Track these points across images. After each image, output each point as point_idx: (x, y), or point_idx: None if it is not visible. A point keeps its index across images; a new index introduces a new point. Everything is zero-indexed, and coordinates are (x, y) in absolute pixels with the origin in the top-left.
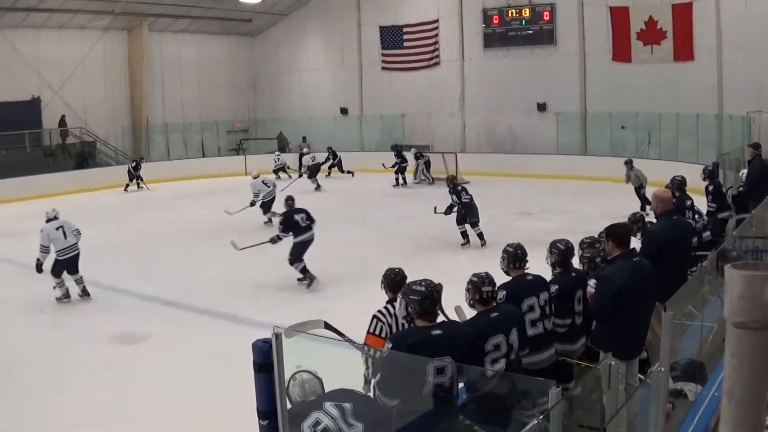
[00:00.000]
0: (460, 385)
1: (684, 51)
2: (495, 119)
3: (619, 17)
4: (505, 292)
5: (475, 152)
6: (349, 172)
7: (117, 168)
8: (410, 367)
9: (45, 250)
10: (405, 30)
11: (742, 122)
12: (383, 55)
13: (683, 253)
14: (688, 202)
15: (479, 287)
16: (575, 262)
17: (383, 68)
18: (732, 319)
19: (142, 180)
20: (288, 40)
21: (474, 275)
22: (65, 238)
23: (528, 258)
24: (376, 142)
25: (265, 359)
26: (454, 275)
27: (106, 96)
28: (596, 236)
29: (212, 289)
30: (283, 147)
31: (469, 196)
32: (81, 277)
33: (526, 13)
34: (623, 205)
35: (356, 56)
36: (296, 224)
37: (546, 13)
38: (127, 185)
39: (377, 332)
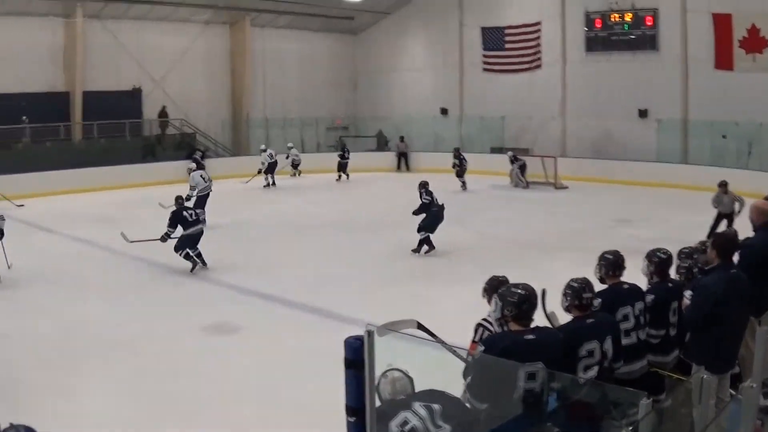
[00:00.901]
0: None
1: None
2: (595, 124)
3: (722, 24)
4: (600, 300)
5: (575, 157)
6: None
7: (217, 160)
8: (501, 371)
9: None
10: (507, 32)
11: None
12: (484, 56)
13: None
14: None
15: (579, 293)
16: (672, 272)
17: (484, 69)
18: None
19: None
20: (389, 39)
21: (573, 280)
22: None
23: (625, 266)
24: (476, 144)
25: (356, 356)
26: (548, 281)
27: (207, 89)
28: (694, 246)
29: (307, 284)
30: (383, 143)
31: (440, 205)
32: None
33: (629, 17)
34: None
35: (457, 57)
36: (184, 219)
37: (649, 18)
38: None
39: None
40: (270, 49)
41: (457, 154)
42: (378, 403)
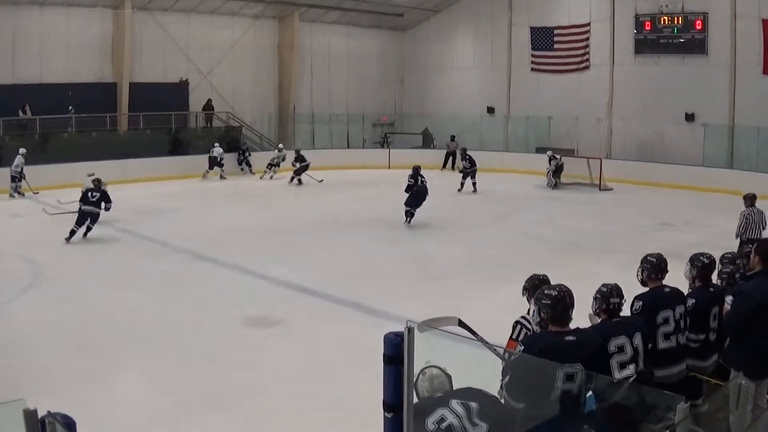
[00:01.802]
0: (588, 393)
1: None
2: (642, 127)
3: None
4: (641, 303)
5: (621, 159)
6: (320, 180)
7: (261, 154)
8: (540, 371)
9: None
10: (556, 32)
11: None
12: (533, 56)
13: None
14: None
15: (608, 297)
16: (714, 277)
17: (532, 69)
18: None
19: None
20: (438, 37)
21: (603, 285)
22: None
23: (668, 269)
24: (521, 143)
25: (396, 352)
26: (591, 282)
27: (254, 83)
28: (736, 252)
29: (348, 278)
30: (429, 141)
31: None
32: None
33: (679, 21)
34: None
35: (506, 56)
36: (85, 198)
37: (698, 22)
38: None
39: (521, 339)
40: (318, 45)
41: (464, 155)
42: (415, 400)
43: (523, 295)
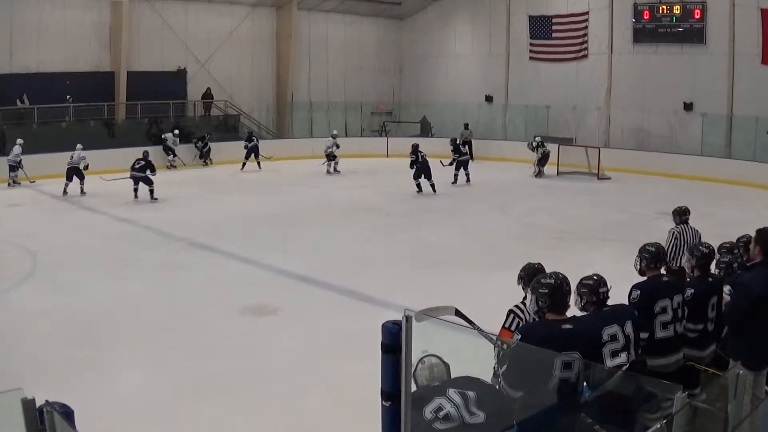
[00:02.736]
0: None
1: None
2: (640, 116)
3: None
4: (639, 292)
5: (619, 148)
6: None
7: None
8: (537, 360)
9: None
10: (554, 21)
11: None
12: (531, 44)
13: None
14: None
15: (596, 289)
16: (712, 267)
17: (531, 58)
18: None
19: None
20: (436, 25)
21: (585, 278)
22: None
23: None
24: (520, 132)
25: (394, 341)
26: (588, 271)
27: (252, 71)
28: (734, 242)
29: (346, 267)
30: (427, 129)
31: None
32: None
33: (677, 10)
34: (764, 213)
35: (504, 45)
36: (133, 166)
37: (697, 11)
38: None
39: (513, 328)
40: (316, 33)
41: (415, 150)
42: (414, 389)
43: (519, 284)
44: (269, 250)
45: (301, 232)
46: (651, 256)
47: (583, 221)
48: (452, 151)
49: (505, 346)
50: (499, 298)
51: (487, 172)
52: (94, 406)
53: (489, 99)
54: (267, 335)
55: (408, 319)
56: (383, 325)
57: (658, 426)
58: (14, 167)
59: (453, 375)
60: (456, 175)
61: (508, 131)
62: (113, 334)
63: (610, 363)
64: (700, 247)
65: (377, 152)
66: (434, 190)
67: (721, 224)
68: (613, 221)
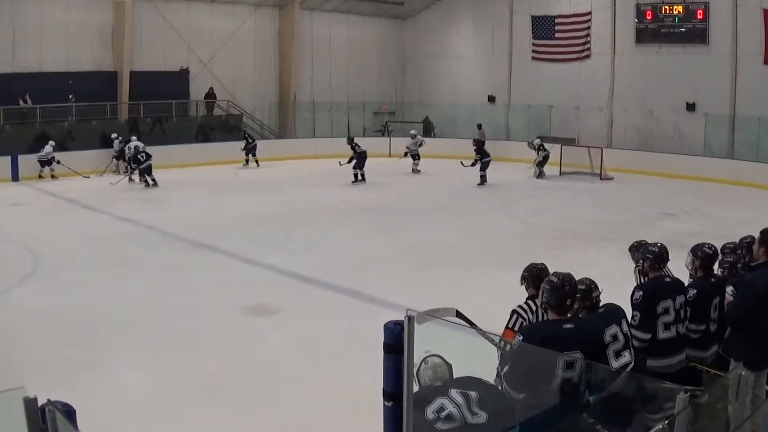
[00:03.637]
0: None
1: None
2: (643, 116)
3: None
4: (642, 293)
5: (622, 148)
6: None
7: (263, 143)
8: (539, 361)
9: None
10: (557, 21)
11: None
12: (534, 45)
13: None
14: None
15: (590, 293)
16: (715, 267)
17: (533, 58)
18: None
19: None
20: (439, 25)
21: (579, 282)
22: None
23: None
24: (522, 132)
25: (396, 341)
26: (590, 271)
27: (254, 71)
28: (737, 242)
29: (348, 267)
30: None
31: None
32: None
33: (680, 10)
34: (767, 213)
35: (507, 45)
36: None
37: (699, 11)
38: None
39: (516, 328)
40: (318, 33)
41: (350, 142)
42: (416, 388)
43: (522, 284)
44: (270, 250)
45: (302, 231)
46: (654, 257)
47: (586, 221)
48: (475, 151)
49: (507, 347)
50: (500, 298)
51: (490, 172)
52: (94, 406)
53: (491, 99)
54: (268, 335)
55: (410, 319)
56: (385, 325)
57: (660, 427)
58: (46, 162)
59: (455, 375)
60: (482, 176)
61: (511, 131)
62: (114, 334)
63: (615, 364)
64: (704, 248)
65: (380, 152)
66: (365, 179)
67: (724, 225)
68: (615, 221)
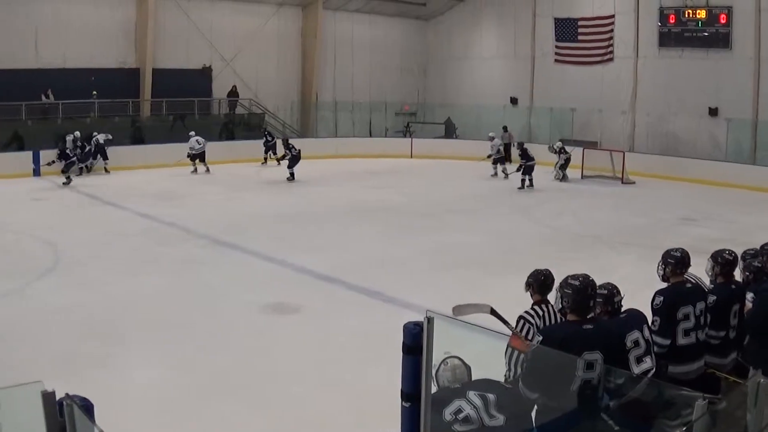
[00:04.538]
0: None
1: None
2: (666, 120)
3: None
4: (662, 298)
5: (644, 152)
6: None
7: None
8: (558, 362)
9: None
10: (580, 23)
11: None
12: (557, 47)
13: None
14: None
15: (612, 298)
16: (736, 273)
17: (556, 60)
18: None
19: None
20: (462, 27)
21: (601, 287)
22: None
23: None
24: (544, 135)
25: (415, 342)
26: (611, 275)
27: (277, 70)
28: (759, 248)
29: (368, 267)
30: (452, 131)
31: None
32: None
33: (703, 14)
34: None
35: (529, 47)
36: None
37: (723, 15)
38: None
39: (523, 334)
40: (341, 33)
41: (285, 143)
42: (434, 389)
43: (527, 290)
44: (291, 249)
45: (322, 230)
46: (677, 262)
47: (607, 225)
48: (520, 155)
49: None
50: (518, 301)
51: (512, 174)
52: (112, 401)
53: (514, 101)
54: (287, 334)
55: (429, 320)
56: (405, 326)
57: None
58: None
59: (474, 377)
60: (523, 180)
61: (533, 134)
62: (133, 330)
63: (636, 369)
64: (724, 254)
65: (401, 153)
66: (294, 178)
67: (745, 231)
68: (636, 225)
